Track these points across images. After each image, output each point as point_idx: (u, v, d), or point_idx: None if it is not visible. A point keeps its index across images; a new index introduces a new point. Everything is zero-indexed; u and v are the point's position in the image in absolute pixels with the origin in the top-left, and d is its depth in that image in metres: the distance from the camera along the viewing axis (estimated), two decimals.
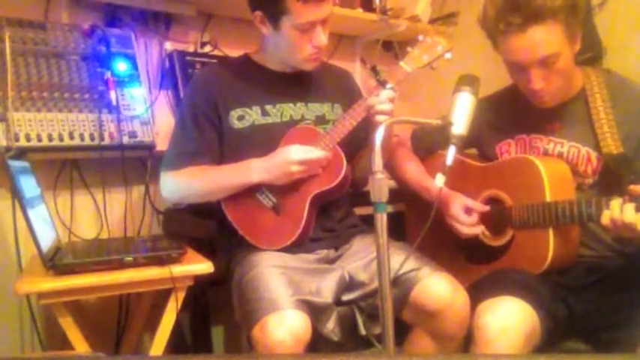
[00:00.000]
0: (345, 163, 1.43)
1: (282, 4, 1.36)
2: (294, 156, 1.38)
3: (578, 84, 1.42)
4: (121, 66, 1.76)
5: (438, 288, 1.34)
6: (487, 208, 1.46)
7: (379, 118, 1.37)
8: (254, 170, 1.42)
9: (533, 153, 1.45)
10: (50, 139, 1.60)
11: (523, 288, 1.27)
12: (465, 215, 1.44)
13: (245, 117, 1.49)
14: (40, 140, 1.58)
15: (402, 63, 1.43)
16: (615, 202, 1.19)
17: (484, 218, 1.47)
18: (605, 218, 1.20)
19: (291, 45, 1.43)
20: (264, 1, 1.40)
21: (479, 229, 1.45)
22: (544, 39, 1.27)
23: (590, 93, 1.39)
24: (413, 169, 1.61)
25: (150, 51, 1.96)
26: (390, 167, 1.64)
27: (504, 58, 1.37)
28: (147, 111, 1.78)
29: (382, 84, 1.41)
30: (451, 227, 1.47)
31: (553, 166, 1.37)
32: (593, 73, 1.42)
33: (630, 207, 1.17)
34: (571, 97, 1.42)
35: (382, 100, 1.38)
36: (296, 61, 1.48)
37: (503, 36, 1.31)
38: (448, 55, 1.43)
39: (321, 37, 1.42)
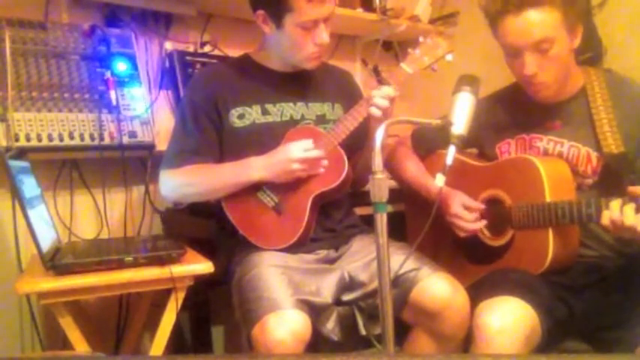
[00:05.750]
0: (346, 163, 1.43)
1: (286, 2, 1.36)
2: (294, 154, 1.39)
3: (579, 83, 1.42)
4: (121, 66, 1.76)
5: (437, 288, 1.34)
6: (482, 206, 1.45)
7: (374, 110, 1.38)
8: (254, 168, 1.42)
9: (533, 153, 1.45)
10: (50, 139, 1.60)
11: (523, 288, 1.27)
12: (467, 212, 1.44)
13: (245, 116, 1.49)
14: (40, 140, 1.58)
15: (403, 64, 1.43)
16: (615, 203, 1.19)
17: (484, 218, 1.47)
18: (605, 219, 1.20)
19: (293, 43, 1.43)
20: (267, 0, 1.40)
21: (480, 225, 1.45)
22: (539, 21, 1.28)
23: (591, 92, 1.39)
24: (413, 169, 1.61)
25: (150, 51, 1.96)
26: (390, 166, 1.64)
27: (501, 43, 1.37)
28: (147, 111, 1.78)
29: (383, 85, 1.41)
30: (451, 226, 1.47)
31: (553, 166, 1.37)
32: (594, 73, 1.42)
33: (630, 208, 1.17)
34: (571, 96, 1.42)
35: (381, 94, 1.38)
36: (298, 60, 1.48)
37: (500, 17, 1.32)
38: (449, 57, 1.43)
39: (324, 35, 1.42)
